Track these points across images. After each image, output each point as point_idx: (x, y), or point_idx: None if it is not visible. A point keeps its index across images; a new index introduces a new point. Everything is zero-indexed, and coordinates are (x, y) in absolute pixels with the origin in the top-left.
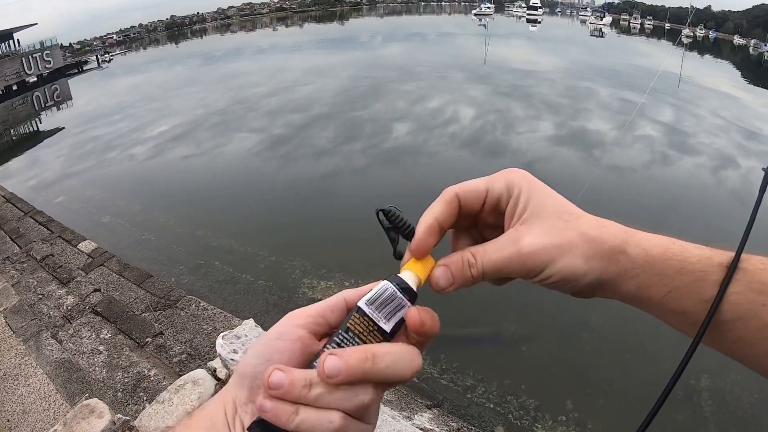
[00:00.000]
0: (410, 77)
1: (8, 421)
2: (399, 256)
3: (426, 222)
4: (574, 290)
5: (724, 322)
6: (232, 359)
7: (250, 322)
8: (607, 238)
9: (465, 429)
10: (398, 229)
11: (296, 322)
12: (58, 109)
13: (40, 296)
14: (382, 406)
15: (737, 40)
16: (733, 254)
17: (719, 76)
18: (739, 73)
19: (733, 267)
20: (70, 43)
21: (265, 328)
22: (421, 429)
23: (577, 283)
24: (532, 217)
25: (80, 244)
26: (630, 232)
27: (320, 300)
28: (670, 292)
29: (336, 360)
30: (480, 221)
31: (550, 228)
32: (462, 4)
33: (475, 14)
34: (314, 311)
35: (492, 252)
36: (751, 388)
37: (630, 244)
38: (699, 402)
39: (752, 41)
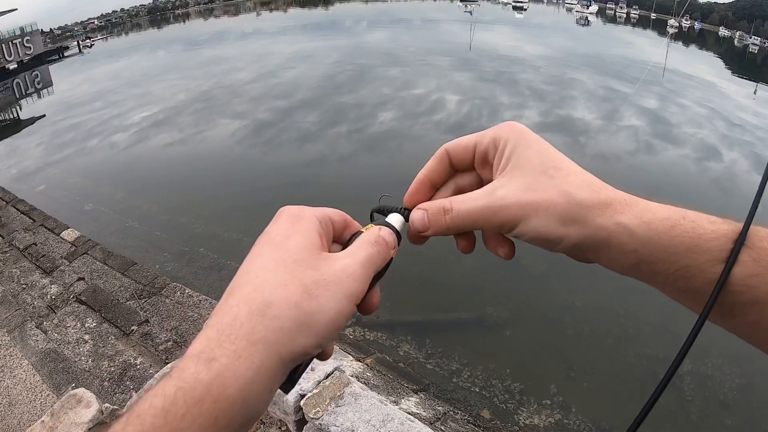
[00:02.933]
0: (395, 63)
1: None
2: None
3: (417, 178)
4: (556, 251)
5: (741, 304)
6: None
7: None
8: (594, 203)
9: (451, 413)
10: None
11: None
12: (39, 96)
13: (24, 286)
14: (369, 391)
15: (722, 31)
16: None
17: (704, 67)
18: (724, 64)
19: (738, 245)
20: (51, 29)
21: None
22: (408, 413)
23: (553, 246)
24: (514, 169)
25: (63, 233)
26: (630, 201)
27: None
28: (678, 270)
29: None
30: (483, 179)
31: (530, 182)
32: None
33: (461, 0)
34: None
35: (469, 201)
36: (732, 373)
37: (627, 214)
38: (681, 386)
39: (737, 33)
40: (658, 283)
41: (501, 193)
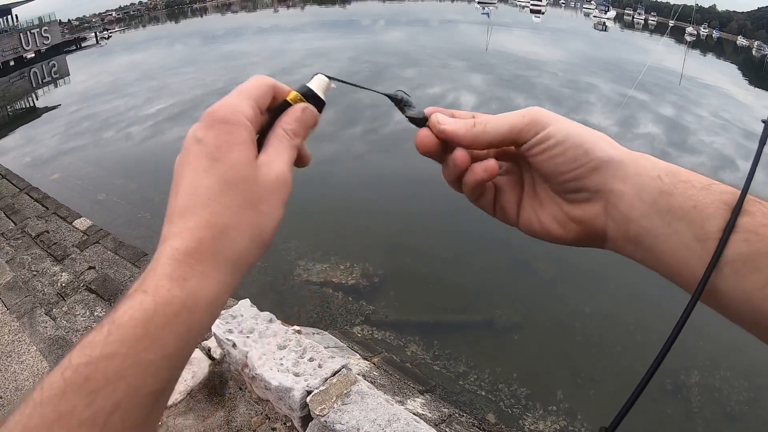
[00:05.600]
0: (412, 63)
1: (1, 398)
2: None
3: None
4: (571, 183)
5: (756, 255)
6: (227, 339)
7: (246, 302)
8: (620, 144)
9: (456, 415)
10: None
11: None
12: (56, 85)
13: (35, 273)
14: (375, 390)
15: (740, 40)
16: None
17: (721, 75)
18: (741, 74)
19: (738, 206)
20: (69, 20)
21: (261, 309)
22: (413, 413)
23: (579, 158)
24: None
25: (75, 222)
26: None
27: (315, 282)
28: (695, 208)
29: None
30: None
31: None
32: None
33: (479, 2)
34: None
35: (498, 115)
36: (740, 386)
37: (646, 155)
38: (688, 397)
39: (755, 43)
40: (672, 229)
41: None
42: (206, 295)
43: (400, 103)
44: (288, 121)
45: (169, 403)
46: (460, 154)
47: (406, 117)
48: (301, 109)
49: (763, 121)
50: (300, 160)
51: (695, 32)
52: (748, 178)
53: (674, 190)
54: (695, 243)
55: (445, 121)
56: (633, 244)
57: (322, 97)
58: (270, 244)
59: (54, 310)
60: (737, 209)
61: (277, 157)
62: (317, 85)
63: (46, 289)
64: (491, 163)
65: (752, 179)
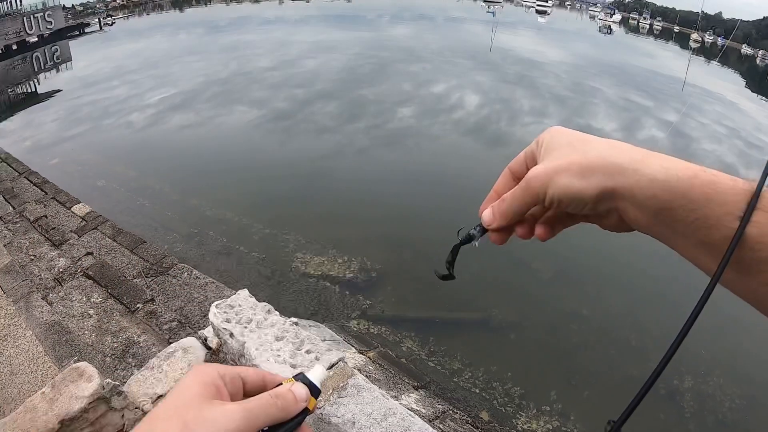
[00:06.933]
0: (416, 59)
1: None
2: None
3: (488, 195)
4: (590, 213)
5: (758, 261)
6: (224, 328)
7: (245, 292)
8: (613, 155)
9: (450, 412)
10: (472, 237)
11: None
12: (58, 70)
13: (32, 257)
14: (371, 384)
15: (745, 49)
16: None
17: (724, 83)
18: (745, 82)
19: (756, 195)
20: (73, 5)
21: (258, 300)
22: (408, 409)
23: (582, 202)
24: (546, 153)
25: (74, 207)
26: (651, 153)
27: (312, 275)
28: (698, 220)
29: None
30: None
31: (556, 156)
32: None
33: (484, 1)
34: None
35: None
36: (732, 393)
37: (646, 162)
38: (681, 402)
39: (760, 52)
40: (678, 234)
41: (532, 171)
42: None
43: (472, 239)
44: (277, 388)
45: (163, 391)
46: (494, 237)
47: (479, 240)
48: (292, 384)
49: None
50: None
51: (700, 39)
52: (758, 188)
53: (674, 205)
54: (702, 246)
55: (488, 220)
56: (653, 236)
57: (318, 383)
58: None
59: (51, 294)
60: (748, 213)
61: (241, 401)
62: (315, 375)
63: (43, 274)
64: (539, 231)
65: (762, 187)
